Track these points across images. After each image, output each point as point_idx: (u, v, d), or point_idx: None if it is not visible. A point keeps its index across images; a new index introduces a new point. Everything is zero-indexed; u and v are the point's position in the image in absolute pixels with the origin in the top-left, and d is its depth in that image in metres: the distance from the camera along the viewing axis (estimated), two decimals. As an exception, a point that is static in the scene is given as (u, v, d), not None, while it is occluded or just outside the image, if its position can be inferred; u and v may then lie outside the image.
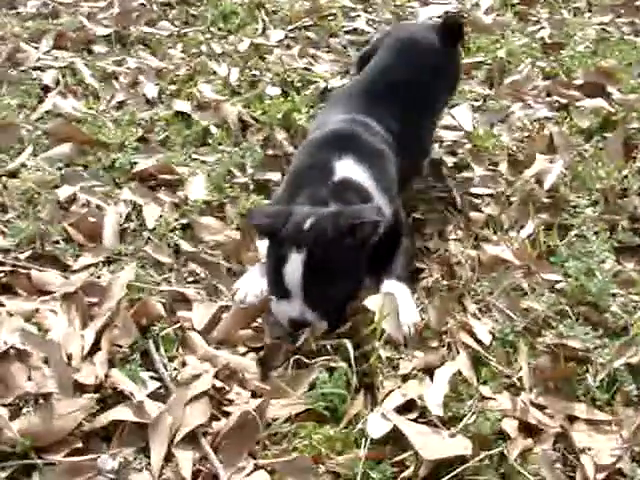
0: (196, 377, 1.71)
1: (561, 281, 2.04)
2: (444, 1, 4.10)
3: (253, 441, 1.59)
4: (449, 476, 1.49)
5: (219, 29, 3.70)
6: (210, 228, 2.22)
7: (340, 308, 1.91)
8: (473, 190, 2.47)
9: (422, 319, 1.92)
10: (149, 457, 1.56)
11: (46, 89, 3.00)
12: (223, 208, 2.33)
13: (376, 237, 1.92)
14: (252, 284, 2.00)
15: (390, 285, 1.98)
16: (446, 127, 2.84)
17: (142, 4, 3.89)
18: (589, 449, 1.60)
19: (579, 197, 2.39)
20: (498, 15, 3.96)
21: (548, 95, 3.09)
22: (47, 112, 2.82)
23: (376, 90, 2.41)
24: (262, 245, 2.07)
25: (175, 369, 1.76)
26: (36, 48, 3.32)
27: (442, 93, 2.62)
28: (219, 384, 1.71)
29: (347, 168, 2.07)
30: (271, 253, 1.94)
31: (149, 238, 2.18)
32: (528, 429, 1.64)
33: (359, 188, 2.05)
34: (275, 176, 2.48)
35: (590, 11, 4.03)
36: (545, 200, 2.38)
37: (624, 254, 2.18)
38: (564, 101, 3.00)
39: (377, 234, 1.92)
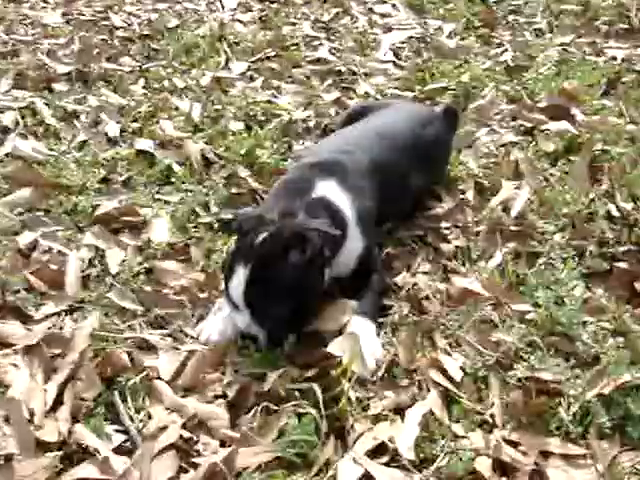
0: (163, 429, 1.68)
1: (531, 311, 2.02)
2: (406, 27, 4.11)
3: (222, 493, 1.56)
4: (424, 522, 1.47)
5: (181, 63, 3.69)
6: (173, 273, 2.18)
7: (291, 324, 1.92)
8: (441, 221, 2.44)
9: (387, 354, 1.90)
10: (116, 517, 1.53)
11: (5, 130, 2.96)
12: (188, 249, 2.29)
13: (329, 252, 1.95)
14: (216, 323, 1.98)
15: (354, 322, 1.96)
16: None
17: (103, 39, 3.89)
18: (565, 485, 1.59)
19: (547, 223, 2.38)
20: (461, 39, 3.98)
21: (513, 119, 3.10)
22: (7, 155, 2.78)
23: (379, 137, 2.41)
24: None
25: (141, 421, 1.72)
26: (-5, 89, 3.29)
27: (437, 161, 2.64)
28: (187, 435, 1.68)
29: (328, 189, 2.08)
30: (228, 262, 1.96)
31: (112, 284, 2.14)
32: (502, 468, 1.62)
33: (333, 208, 2.06)
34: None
35: (552, 32, 4.06)
36: (513, 228, 2.37)
37: (593, 280, 2.16)
38: (529, 125, 3.01)
39: (330, 248, 1.95)
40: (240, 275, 1.86)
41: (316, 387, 1.73)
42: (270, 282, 1.87)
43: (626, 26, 4.06)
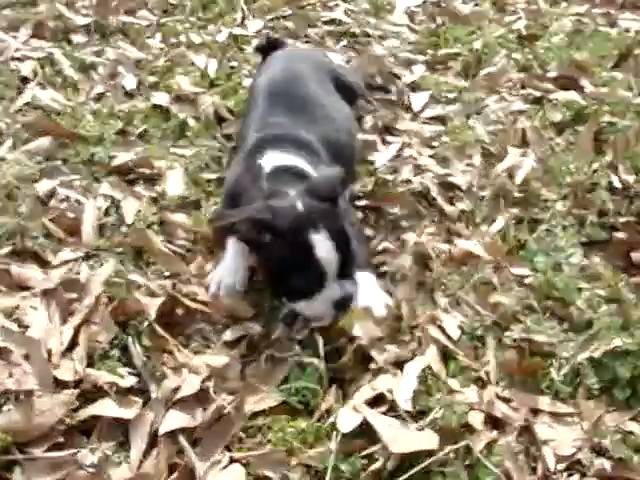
0: (178, 376, 1.77)
1: (530, 276, 2.09)
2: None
3: (229, 435, 1.65)
4: (417, 469, 1.55)
5: (198, 18, 3.72)
6: (184, 225, 2.25)
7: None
8: (447, 184, 2.50)
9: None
10: (128, 451, 1.62)
11: (25, 80, 3.02)
12: (200, 203, 2.36)
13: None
14: (225, 276, 2.04)
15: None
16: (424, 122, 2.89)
17: (121, -8, 3.90)
18: (551, 441, 1.67)
19: (550, 191, 2.44)
20: (476, 5, 3.99)
21: (523, 87, 3.13)
22: (26, 104, 2.84)
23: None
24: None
25: (154, 367, 1.80)
26: (14, 37, 3.33)
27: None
28: (199, 381, 1.75)
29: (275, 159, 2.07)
30: (278, 250, 1.85)
31: (127, 233, 2.21)
32: (493, 422, 1.71)
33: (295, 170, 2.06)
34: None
35: (567, 1, 4.06)
36: (516, 194, 2.43)
37: (592, 248, 2.24)
38: (538, 94, 3.04)
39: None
40: (323, 242, 1.83)
41: (318, 338, 1.81)
42: (343, 235, 1.89)
43: (641, -3, 4.05)
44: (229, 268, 2.06)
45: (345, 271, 1.88)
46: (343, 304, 1.87)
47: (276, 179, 2.00)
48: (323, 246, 1.82)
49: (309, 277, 1.84)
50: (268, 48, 2.85)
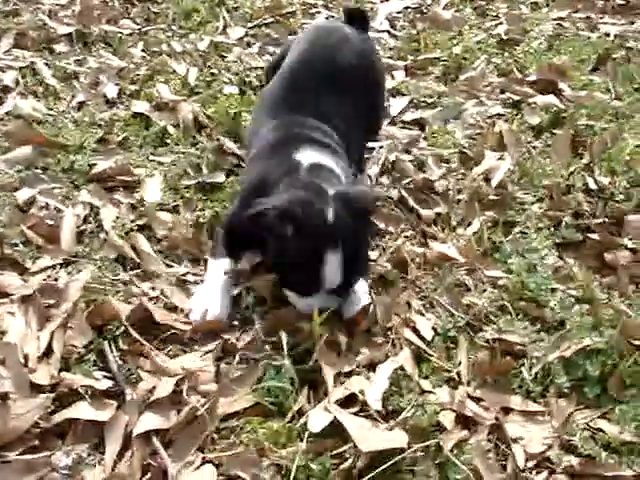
0: (153, 379, 1.79)
1: (503, 277, 2.12)
2: (404, -4, 4.15)
3: (202, 436, 1.67)
4: (385, 466, 1.57)
5: (180, 27, 3.74)
6: (166, 224, 2.29)
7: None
8: (424, 188, 2.52)
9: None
10: (102, 453, 1.64)
11: (6, 89, 3.04)
12: (178, 209, 2.39)
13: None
14: (209, 304, 1.99)
15: None
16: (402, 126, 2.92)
17: (104, 1, 3.93)
18: (521, 439, 1.69)
19: (526, 194, 2.47)
20: (457, 10, 4.02)
21: (502, 92, 3.15)
22: (7, 113, 2.86)
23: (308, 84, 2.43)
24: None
25: (129, 370, 1.83)
26: (-4, 47, 3.36)
27: (366, 78, 2.62)
28: (173, 384, 1.77)
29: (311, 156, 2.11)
30: (293, 247, 1.88)
31: (106, 240, 2.23)
32: (464, 421, 1.73)
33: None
34: (222, 178, 2.53)
35: (548, 5, 4.09)
36: (492, 197, 2.45)
37: (567, 250, 2.26)
38: (517, 98, 3.07)
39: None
40: (333, 259, 1.86)
41: (284, 337, 1.84)
42: (356, 253, 1.93)
43: (622, 2, 4.08)
44: (213, 295, 2.02)
45: (342, 287, 1.92)
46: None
47: (313, 174, 2.04)
48: (332, 268, 1.86)
49: (306, 283, 1.91)
50: (356, 15, 2.81)
